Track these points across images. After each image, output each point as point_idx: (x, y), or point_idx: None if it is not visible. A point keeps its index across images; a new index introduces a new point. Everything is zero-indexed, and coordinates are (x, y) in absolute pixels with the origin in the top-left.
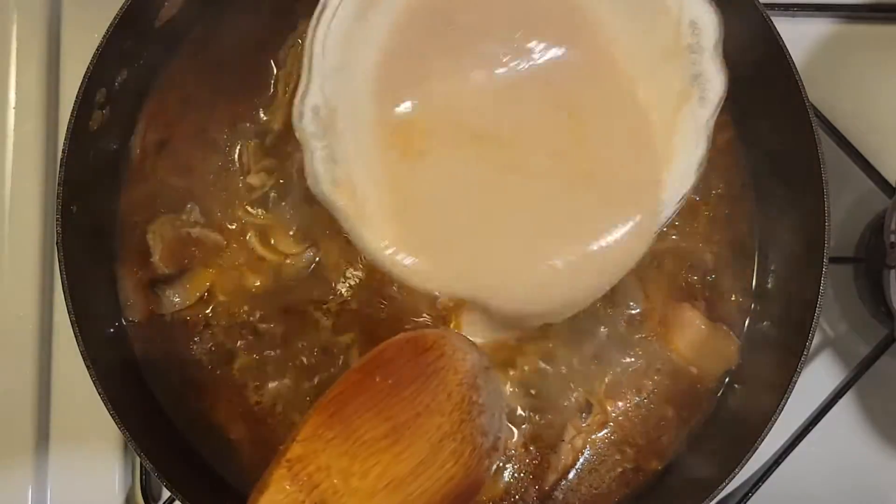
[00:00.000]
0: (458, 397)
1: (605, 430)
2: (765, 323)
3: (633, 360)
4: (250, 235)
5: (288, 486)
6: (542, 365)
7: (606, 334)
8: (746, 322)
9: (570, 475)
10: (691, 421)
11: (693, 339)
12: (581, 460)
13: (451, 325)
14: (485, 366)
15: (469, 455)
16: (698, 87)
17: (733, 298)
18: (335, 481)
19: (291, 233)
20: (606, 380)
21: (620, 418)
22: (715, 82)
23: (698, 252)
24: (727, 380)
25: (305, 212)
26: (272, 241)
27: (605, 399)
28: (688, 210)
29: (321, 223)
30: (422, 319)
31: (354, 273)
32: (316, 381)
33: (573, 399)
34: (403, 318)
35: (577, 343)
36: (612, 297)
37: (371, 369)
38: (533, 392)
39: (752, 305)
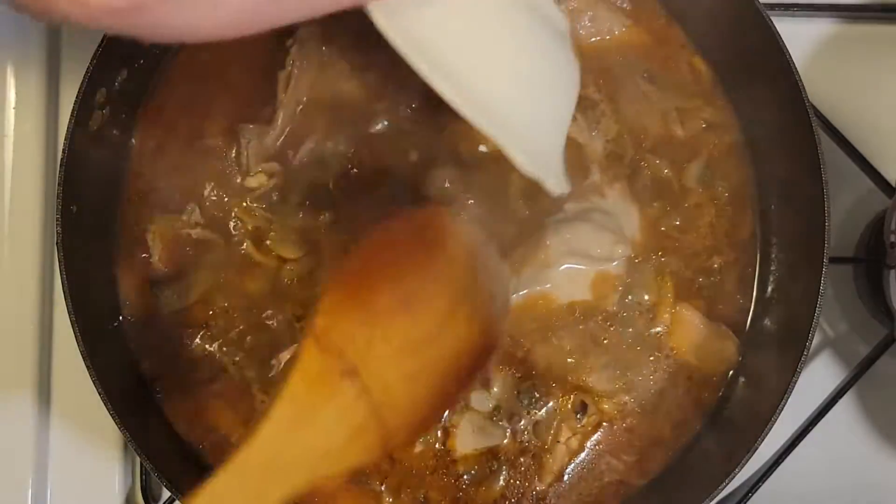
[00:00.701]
0: (468, 264)
1: (601, 432)
2: (765, 323)
3: (631, 358)
4: (247, 244)
5: (317, 353)
6: (537, 364)
7: (605, 332)
8: (747, 322)
9: (565, 477)
10: (691, 420)
11: (692, 339)
12: (576, 462)
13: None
14: (482, 238)
15: (481, 320)
16: None
17: (733, 298)
18: (359, 347)
19: (293, 236)
20: (604, 379)
21: (617, 419)
22: None
23: (699, 252)
24: (728, 379)
25: (306, 215)
26: (268, 244)
27: (601, 399)
28: (690, 210)
29: (321, 227)
30: None
31: None
32: None
33: (568, 399)
34: None
35: (573, 340)
36: (623, 286)
37: (382, 239)
38: (526, 392)
39: (752, 305)
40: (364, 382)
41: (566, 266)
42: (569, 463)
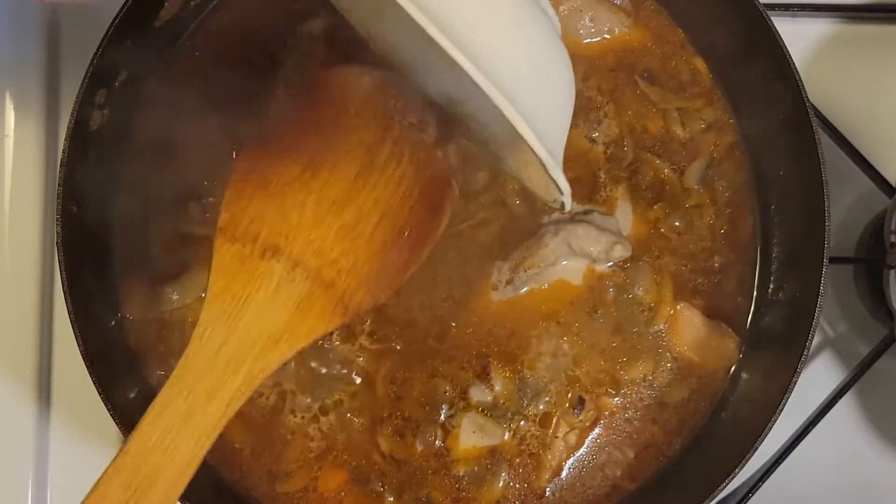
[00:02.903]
0: (371, 110)
1: (599, 427)
2: (765, 323)
3: (631, 355)
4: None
5: (228, 248)
6: (536, 361)
7: (604, 331)
8: (747, 322)
9: (564, 473)
10: (691, 418)
11: (693, 336)
12: (575, 457)
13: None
14: (384, 77)
15: (412, 153)
16: None
17: (733, 299)
18: (274, 225)
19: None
20: (603, 375)
21: (616, 414)
22: None
23: (699, 252)
24: (729, 378)
25: None
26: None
27: (600, 395)
28: (690, 210)
29: None
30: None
31: None
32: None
33: (566, 395)
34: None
35: (572, 338)
36: (623, 285)
37: (270, 120)
38: (526, 389)
39: (753, 305)
40: (290, 255)
41: (565, 265)
42: (567, 458)
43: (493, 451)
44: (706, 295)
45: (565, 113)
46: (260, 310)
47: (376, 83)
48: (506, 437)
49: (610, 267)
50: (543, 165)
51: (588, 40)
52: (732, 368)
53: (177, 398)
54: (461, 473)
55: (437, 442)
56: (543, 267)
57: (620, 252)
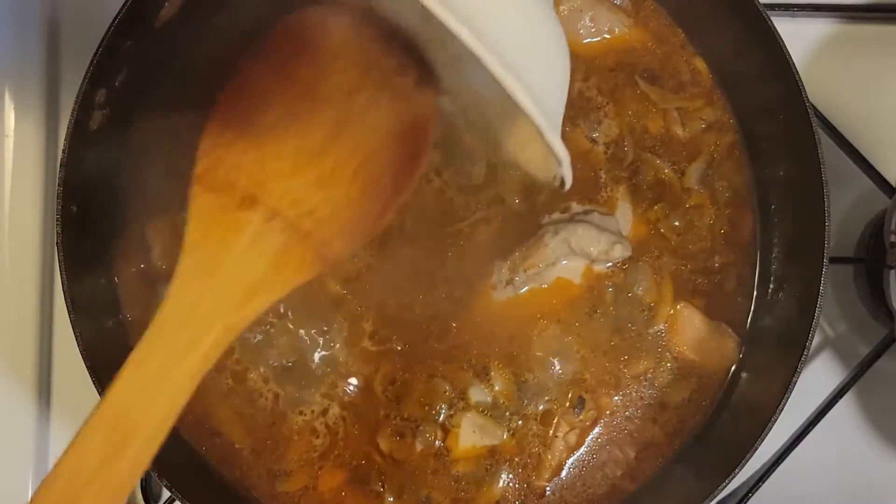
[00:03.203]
0: (350, 54)
1: (599, 427)
2: (765, 323)
3: (630, 355)
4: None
5: (205, 197)
6: (536, 361)
7: (604, 330)
8: (747, 322)
9: (564, 473)
10: (690, 418)
11: (693, 336)
12: (575, 457)
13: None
14: (364, 17)
15: (391, 98)
16: None
17: (733, 299)
18: (252, 173)
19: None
20: (603, 374)
21: (616, 414)
22: None
23: (699, 252)
24: (729, 378)
25: None
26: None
27: (600, 395)
28: (690, 211)
29: None
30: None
31: (356, 277)
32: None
33: (566, 394)
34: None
35: (572, 337)
36: (623, 285)
37: (247, 66)
38: (526, 389)
39: (753, 305)
40: (268, 205)
41: (565, 265)
42: (568, 458)
43: (492, 451)
44: (706, 295)
45: (562, 80)
46: (237, 261)
47: (355, 23)
48: (505, 436)
49: (610, 267)
50: (539, 129)
51: (588, 40)
52: (732, 368)
53: (154, 353)
54: (461, 473)
55: (436, 442)
56: (543, 267)
57: (620, 252)
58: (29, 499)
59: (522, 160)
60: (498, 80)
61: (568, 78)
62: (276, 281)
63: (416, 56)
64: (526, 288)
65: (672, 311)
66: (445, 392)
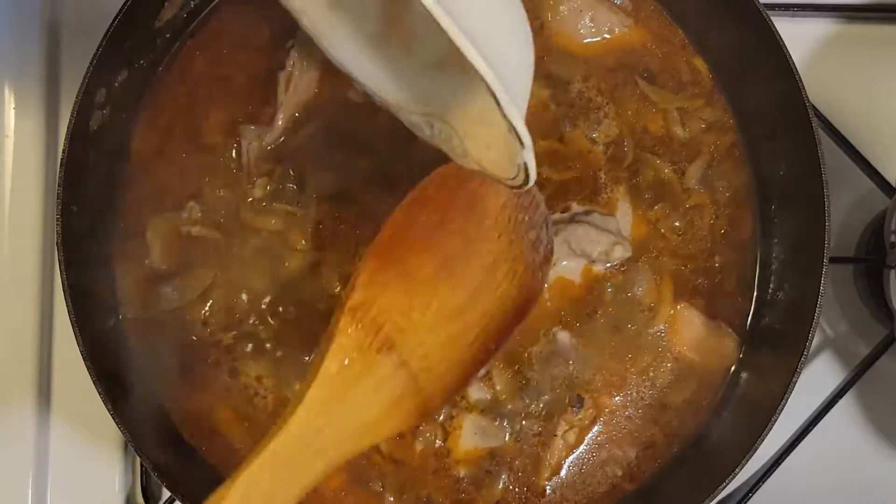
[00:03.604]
0: (504, 220)
1: (599, 426)
2: (765, 323)
3: (631, 355)
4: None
5: (352, 332)
6: (536, 360)
7: (604, 330)
8: (747, 322)
9: (563, 472)
10: (691, 418)
11: (692, 336)
12: (575, 455)
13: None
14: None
15: (523, 273)
16: None
17: (733, 299)
18: (397, 320)
19: (293, 234)
20: (603, 374)
21: (616, 413)
22: None
23: (699, 252)
24: (729, 378)
25: (309, 213)
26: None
27: (599, 394)
28: (690, 211)
29: (324, 226)
30: None
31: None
32: None
33: (566, 393)
34: None
35: (572, 337)
36: (623, 285)
37: (415, 208)
38: (528, 390)
39: (753, 305)
40: (402, 355)
41: (565, 266)
42: (567, 456)
43: (493, 452)
44: (706, 295)
45: (527, 62)
46: (360, 402)
47: (512, 192)
48: (507, 438)
49: (609, 268)
50: (500, 106)
51: (588, 40)
52: (732, 368)
53: (266, 477)
54: (461, 474)
55: (437, 442)
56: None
57: (620, 253)
58: (28, 500)
59: (488, 163)
60: (460, 48)
61: (531, 66)
62: (384, 426)
63: (550, 232)
64: None
65: (672, 312)
66: None
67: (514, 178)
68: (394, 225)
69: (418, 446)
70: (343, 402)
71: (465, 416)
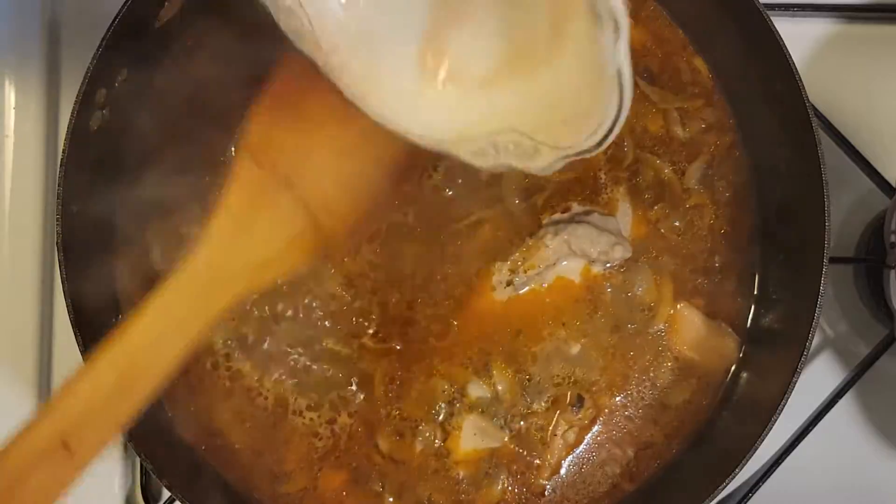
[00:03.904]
0: None
1: (599, 425)
2: (765, 323)
3: (631, 355)
4: None
5: (251, 168)
6: (536, 359)
7: (604, 330)
8: (747, 322)
9: (563, 471)
10: (690, 418)
11: (693, 336)
12: (574, 455)
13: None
14: None
15: None
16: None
17: (733, 299)
18: (295, 158)
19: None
20: (603, 374)
21: (616, 413)
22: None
23: (699, 252)
24: (729, 378)
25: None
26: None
27: (599, 394)
28: (690, 211)
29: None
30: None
31: (359, 276)
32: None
33: (566, 393)
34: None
35: (572, 337)
36: (623, 285)
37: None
38: (529, 389)
39: (753, 305)
40: (300, 192)
41: (565, 266)
42: (567, 456)
43: (493, 452)
44: (706, 295)
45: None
46: (264, 234)
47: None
48: (506, 439)
49: (609, 267)
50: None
51: None
52: (732, 368)
53: (179, 302)
54: (461, 475)
55: (436, 442)
56: (544, 267)
57: (621, 253)
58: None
59: (566, 142)
60: None
61: None
62: (287, 259)
63: None
64: (526, 289)
65: (672, 312)
66: (444, 391)
67: (595, 139)
68: (285, 68)
69: (418, 446)
70: (249, 233)
71: (465, 416)
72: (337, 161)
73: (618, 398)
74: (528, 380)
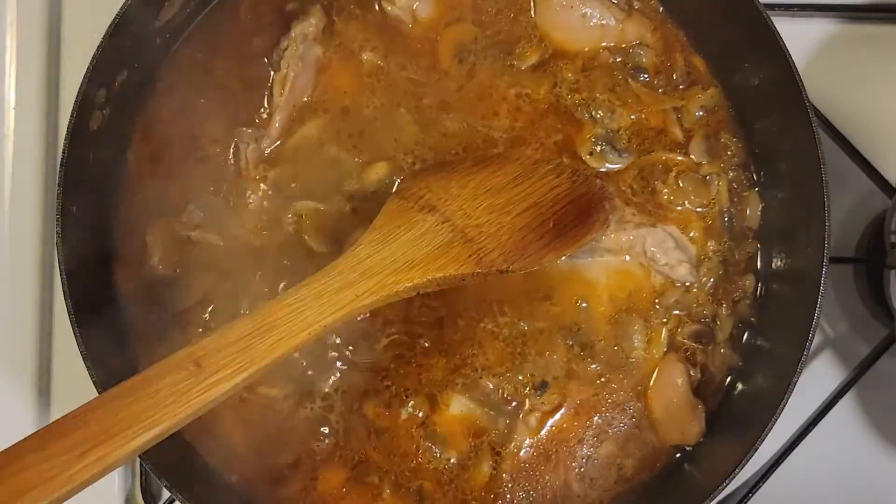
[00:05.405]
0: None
1: (598, 420)
2: (765, 323)
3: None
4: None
5: (397, 201)
6: (536, 345)
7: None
8: (745, 336)
9: (560, 465)
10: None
11: (668, 396)
12: (571, 450)
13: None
14: None
15: (570, 174)
16: None
17: (733, 298)
18: (438, 192)
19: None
20: (602, 373)
21: (616, 412)
22: None
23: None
24: (729, 379)
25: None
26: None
27: (600, 394)
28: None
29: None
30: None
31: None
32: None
33: (564, 384)
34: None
35: (573, 332)
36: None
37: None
38: (520, 370)
39: (753, 305)
40: (444, 213)
41: (612, 260)
42: (564, 450)
43: (480, 431)
44: (699, 361)
45: None
46: (405, 243)
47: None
48: (498, 420)
49: (663, 278)
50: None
51: (587, 38)
52: (686, 448)
53: (313, 284)
54: (453, 461)
55: (419, 413)
56: (606, 249)
57: (685, 273)
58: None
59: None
60: None
61: None
62: (432, 264)
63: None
64: (589, 259)
65: (661, 362)
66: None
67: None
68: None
69: (403, 415)
70: (389, 242)
71: (452, 394)
72: (482, 195)
73: (619, 396)
74: (523, 358)
